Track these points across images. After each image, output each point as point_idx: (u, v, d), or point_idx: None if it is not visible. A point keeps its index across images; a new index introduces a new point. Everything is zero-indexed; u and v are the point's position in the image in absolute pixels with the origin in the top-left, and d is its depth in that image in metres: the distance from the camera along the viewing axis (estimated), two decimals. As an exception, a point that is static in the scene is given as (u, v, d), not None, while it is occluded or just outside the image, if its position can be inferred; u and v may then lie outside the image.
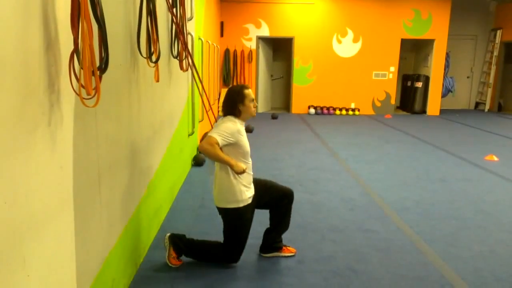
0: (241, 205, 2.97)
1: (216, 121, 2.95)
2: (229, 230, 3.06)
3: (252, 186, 3.08)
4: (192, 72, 3.50)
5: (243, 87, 3.02)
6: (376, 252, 3.45)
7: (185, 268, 3.12)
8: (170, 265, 3.08)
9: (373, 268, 3.18)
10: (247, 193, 3.00)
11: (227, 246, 3.08)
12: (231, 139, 2.83)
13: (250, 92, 3.01)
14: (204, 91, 3.56)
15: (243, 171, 2.86)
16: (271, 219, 3.31)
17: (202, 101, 3.11)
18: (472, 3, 12.88)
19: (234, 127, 2.88)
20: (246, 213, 3.02)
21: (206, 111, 3.14)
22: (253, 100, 3.01)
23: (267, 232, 3.33)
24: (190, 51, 5.24)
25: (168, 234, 3.14)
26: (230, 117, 2.96)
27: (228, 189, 2.94)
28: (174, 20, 3.64)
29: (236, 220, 3.02)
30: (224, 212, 3.02)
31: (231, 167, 2.83)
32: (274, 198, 3.23)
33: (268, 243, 3.32)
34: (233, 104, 2.96)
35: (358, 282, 2.99)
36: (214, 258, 3.14)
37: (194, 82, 5.82)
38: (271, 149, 7.21)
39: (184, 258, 3.16)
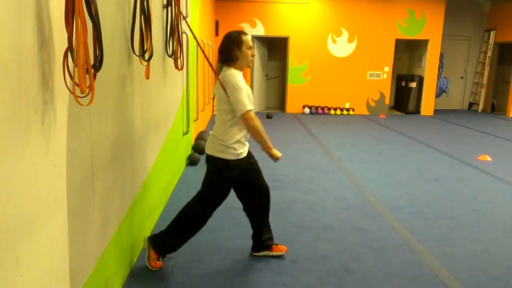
0: (232, 157, 2.88)
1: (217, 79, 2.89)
2: (210, 182, 2.96)
3: (247, 146, 3.02)
4: (189, 28, 3.43)
5: (241, 32, 2.90)
6: (370, 251, 3.46)
7: (178, 267, 3.11)
8: (150, 267, 3.00)
9: (367, 267, 3.19)
10: (241, 150, 2.93)
11: (202, 200, 2.97)
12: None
13: (248, 38, 2.89)
14: (202, 47, 3.43)
15: (278, 159, 2.97)
16: (252, 219, 3.24)
17: (204, 55, 3.02)
18: (466, 4, 12.96)
19: (242, 81, 2.83)
20: (234, 168, 2.92)
21: (208, 60, 3.06)
22: (251, 47, 2.89)
23: (256, 233, 3.28)
24: (185, 50, 5.22)
25: (147, 236, 3.07)
26: (231, 71, 2.85)
27: (224, 139, 2.86)
28: (172, 17, 3.63)
29: (221, 171, 2.91)
30: (212, 161, 2.91)
31: (269, 150, 2.92)
32: (254, 187, 3.14)
33: (259, 241, 3.29)
34: (229, 49, 2.85)
35: (353, 281, 3.00)
36: (193, 222, 3.01)
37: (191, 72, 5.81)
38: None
39: (163, 260, 3.09)
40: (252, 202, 3.20)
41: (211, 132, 3.00)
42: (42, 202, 1.69)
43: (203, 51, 3.18)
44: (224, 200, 3.02)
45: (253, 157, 3.16)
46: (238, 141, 2.90)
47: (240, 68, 2.92)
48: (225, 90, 2.82)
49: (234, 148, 2.89)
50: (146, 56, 3.16)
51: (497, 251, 3.52)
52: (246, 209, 3.24)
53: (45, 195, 1.71)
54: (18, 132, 1.50)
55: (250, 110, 2.80)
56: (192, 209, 3.01)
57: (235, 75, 2.85)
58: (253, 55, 2.95)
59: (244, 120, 2.82)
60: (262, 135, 2.86)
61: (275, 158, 2.96)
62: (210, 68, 9.18)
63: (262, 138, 2.86)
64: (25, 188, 1.55)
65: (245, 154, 2.99)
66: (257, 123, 2.84)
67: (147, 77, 3.38)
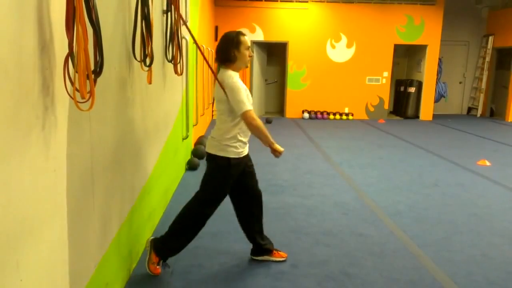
0: (233, 155, 2.90)
1: (216, 79, 2.89)
2: (210, 180, 2.96)
3: (247, 145, 3.05)
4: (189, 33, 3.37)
5: (239, 33, 2.91)
6: (369, 256, 3.46)
7: (178, 272, 3.10)
8: (149, 271, 2.99)
9: (367, 272, 3.19)
10: (242, 149, 2.95)
11: (201, 199, 2.96)
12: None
13: (246, 39, 2.90)
14: (200, 49, 3.31)
15: (281, 153, 2.96)
16: (242, 224, 3.25)
17: (204, 58, 3.07)
18: (464, 9, 13.01)
19: (240, 82, 2.84)
20: (235, 166, 2.92)
21: (207, 62, 3.10)
22: (248, 48, 2.90)
23: (248, 236, 3.29)
24: (184, 55, 5.24)
25: (151, 238, 3.05)
26: (229, 73, 2.86)
27: (224, 138, 2.88)
28: (171, 23, 3.64)
29: (222, 169, 2.91)
30: (213, 160, 2.92)
31: (271, 145, 2.92)
32: (247, 189, 3.14)
33: (257, 245, 3.29)
34: (228, 49, 2.85)
35: (352, 286, 3.00)
36: (193, 221, 2.99)
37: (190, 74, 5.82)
38: (265, 153, 7.18)
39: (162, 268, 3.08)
40: (243, 205, 3.20)
41: (211, 132, 3.01)
42: (42, 206, 1.69)
43: (202, 54, 3.18)
44: (223, 199, 3.02)
45: (251, 160, 3.18)
46: (239, 140, 2.93)
47: (238, 69, 2.94)
48: (224, 91, 2.84)
49: (235, 147, 2.92)
50: (147, 61, 3.17)
51: (496, 256, 3.52)
52: (237, 210, 3.23)
53: (45, 199, 1.71)
54: (19, 136, 1.51)
55: (249, 110, 2.82)
56: (192, 208, 3.02)
57: (233, 76, 2.87)
58: (251, 56, 2.95)
59: (245, 119, 2.84)
60: (263, 132, 2.88)
61: (277, 153, 2.97)
62: (209, 71, 9.21)
63: (263, 135, 2.88)
64: (25, 192, 1.55)
65: (245, 153, 3.02)
66: (258, 121, 2.86)
67: (150, 82, 3.39)
